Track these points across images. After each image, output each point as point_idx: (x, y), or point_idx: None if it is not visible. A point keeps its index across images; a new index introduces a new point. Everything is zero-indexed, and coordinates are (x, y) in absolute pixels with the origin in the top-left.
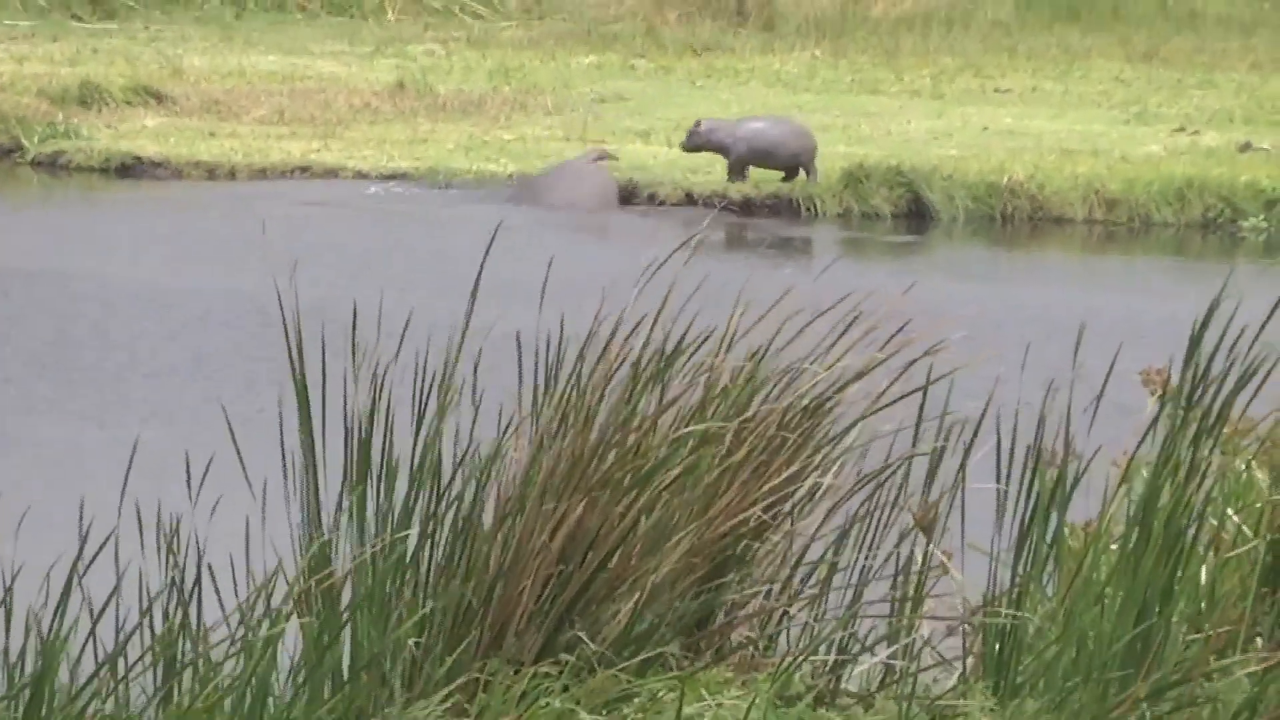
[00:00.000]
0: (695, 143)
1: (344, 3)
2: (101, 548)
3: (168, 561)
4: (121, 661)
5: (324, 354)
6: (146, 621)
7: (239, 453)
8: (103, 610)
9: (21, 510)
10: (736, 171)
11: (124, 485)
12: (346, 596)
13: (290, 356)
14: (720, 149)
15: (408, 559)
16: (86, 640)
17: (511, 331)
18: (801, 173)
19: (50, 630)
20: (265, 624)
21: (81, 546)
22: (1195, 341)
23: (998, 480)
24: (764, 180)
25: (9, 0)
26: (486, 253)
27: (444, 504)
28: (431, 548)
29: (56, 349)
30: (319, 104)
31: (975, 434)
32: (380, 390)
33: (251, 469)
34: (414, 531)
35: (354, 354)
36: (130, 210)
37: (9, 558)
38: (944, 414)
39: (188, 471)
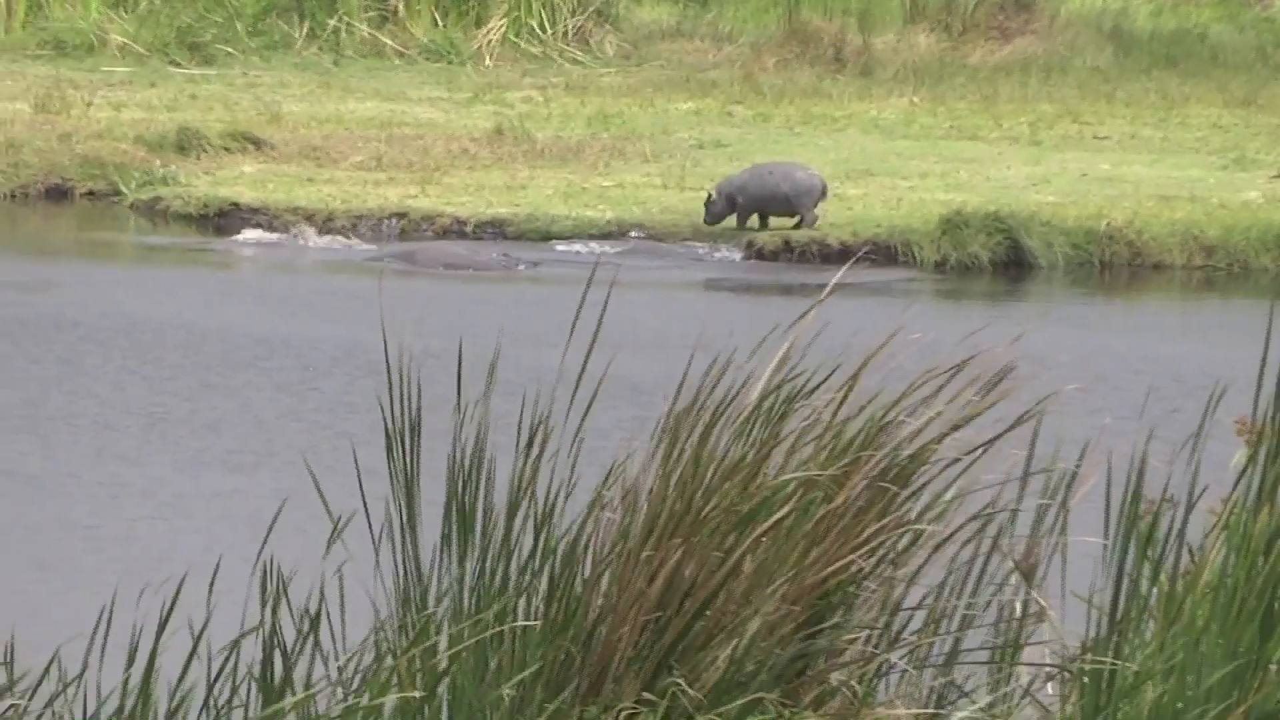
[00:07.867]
0: (716, 212)
1: (442, 49)
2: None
3: (267, 612)
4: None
5: (419, 404)
6: (247, 673)
7: (324, 502)
8: (191, 653)
9: (130, 557)
10: (740, 222)
11: (266, 541)
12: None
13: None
14: (730, 207)
15: (505, 610)
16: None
17: (625, 373)
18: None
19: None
20: (367, 686)
21: (208, 606)
22: None
23: (1104, 526)
24: (862, 227)
25: (106, 46)
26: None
27: (543, 552)
28: (530, 597)
29: (161, 398)
30: (417, 150)
31: (1070, 480)
32: (481, 439)
33: (349, 518)
34: (513, 583)
35: (460, 404)
36: (230, 260)
37: (124, 607)
38: (1048, 466)
39: (319, 523)
